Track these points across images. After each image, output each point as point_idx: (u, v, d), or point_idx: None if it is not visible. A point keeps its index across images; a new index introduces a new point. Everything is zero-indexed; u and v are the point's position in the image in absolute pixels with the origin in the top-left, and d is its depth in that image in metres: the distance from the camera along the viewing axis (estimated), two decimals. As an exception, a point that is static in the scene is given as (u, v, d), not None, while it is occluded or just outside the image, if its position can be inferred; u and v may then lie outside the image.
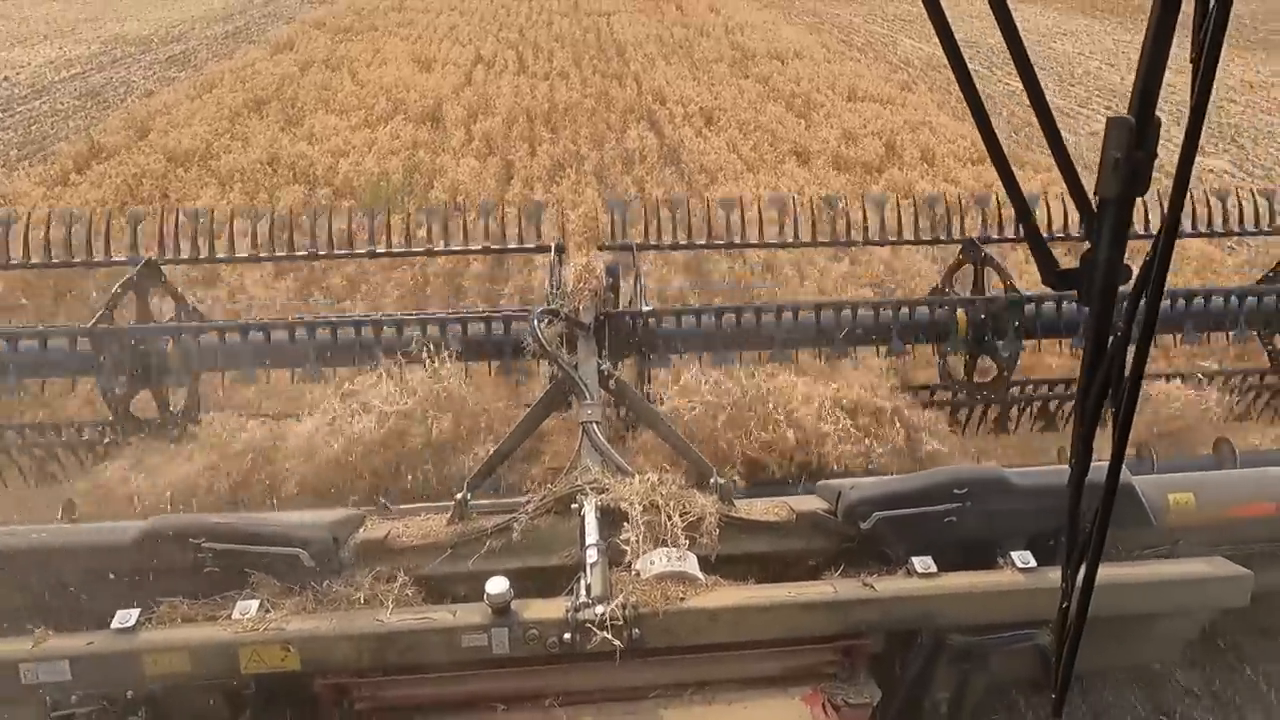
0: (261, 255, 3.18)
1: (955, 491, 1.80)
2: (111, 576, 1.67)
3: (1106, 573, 0.95)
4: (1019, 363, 3.13)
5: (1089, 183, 0.80)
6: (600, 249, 3.18)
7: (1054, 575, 1.21)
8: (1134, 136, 0.73)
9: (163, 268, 3.02)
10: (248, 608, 1.60)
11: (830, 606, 1.65)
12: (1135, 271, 0.80)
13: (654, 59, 12.27)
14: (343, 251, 3.24)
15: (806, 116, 8.89)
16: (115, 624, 1.56)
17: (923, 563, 1.73)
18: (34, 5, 18.17)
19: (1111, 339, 0.81)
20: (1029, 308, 3.08)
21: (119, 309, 2.83)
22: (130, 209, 3.72)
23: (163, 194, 6.44)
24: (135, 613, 1.58)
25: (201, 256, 3.13)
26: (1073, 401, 2.13)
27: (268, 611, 1.60)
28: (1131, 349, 0.80)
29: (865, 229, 3.43)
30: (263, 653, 1.51)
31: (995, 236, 3.41)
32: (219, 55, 13.16)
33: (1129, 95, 0.73)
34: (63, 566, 1.68)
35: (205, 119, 8.69)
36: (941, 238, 3.51)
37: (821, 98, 9.66)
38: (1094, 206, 0.79)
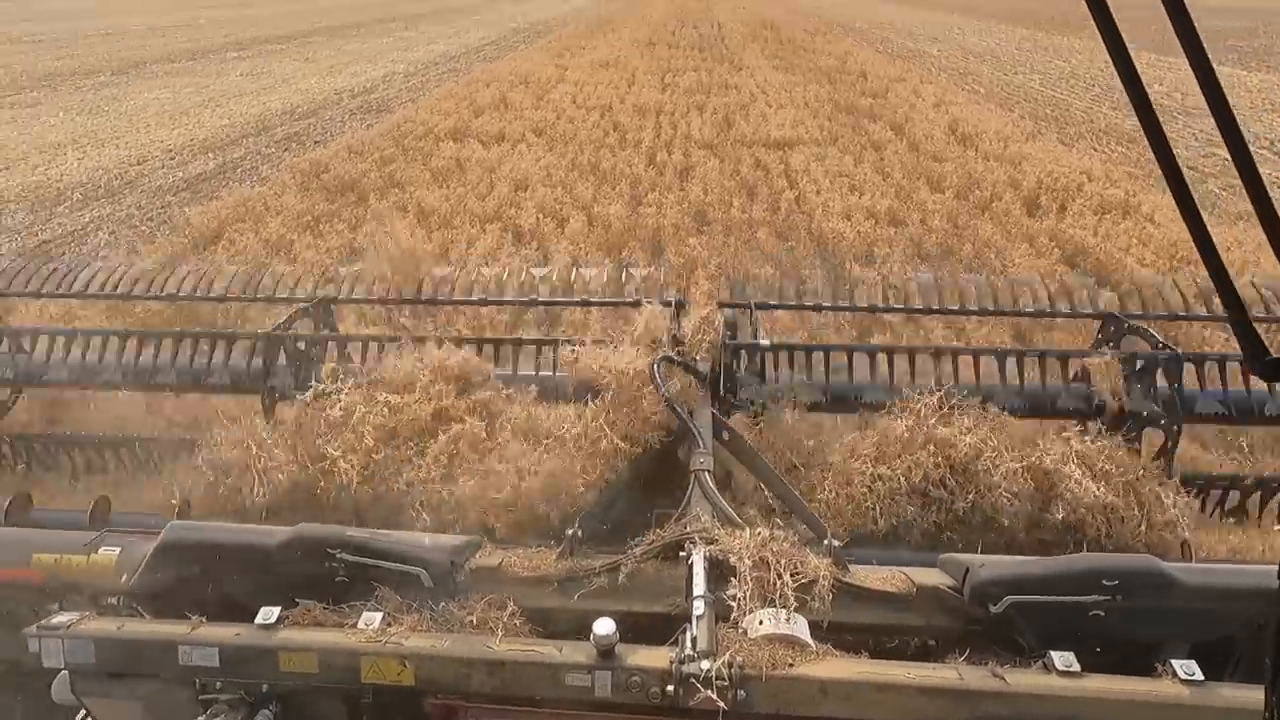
0: (404, 298, 3.36)
1: (1104, 583, 1.62)
2: (258, 575, 1.77)
3: None
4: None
5: None
6: (720, 305, 3.00)
7: (1226, 692, 1.41)
8: None
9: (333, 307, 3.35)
10: (372, 619, 1.65)
11: (955, 695, 1.48)
12: None
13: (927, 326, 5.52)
14: (475, 299, 3.40)
15: None
16: (259, 620, 1.63)
17: (1063, 659, 1.53)
18: (139, 92, 14.05)
19: None
20: (1193, 389, 2.79)
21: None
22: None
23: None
24: (276, 611, 1.65)
25: (371, 297, 3.37)
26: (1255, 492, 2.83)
27: (389, 625, 1.64)
28: None
29: (994, 298, 3.20)
30: (382, 665, 1.56)
31: (1140, 312, 3.11)
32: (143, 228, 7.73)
33: None
34: (220, 560, 1.80)
35: None
36: (1081, 311, 3.15)
37: None
38: None
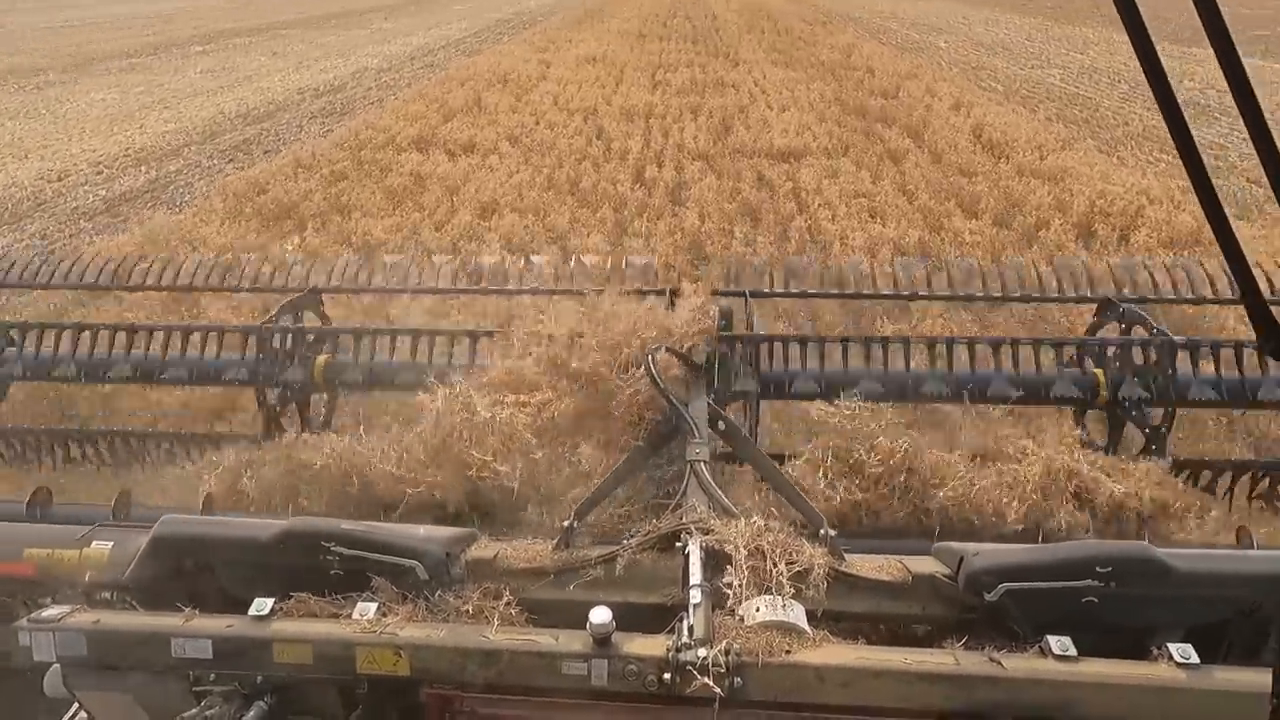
0: (409, 288, 3.52)
1: (1098, 570, 1.63)
2: (252, 567, 1.79)
3: None
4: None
5: None
6: (714, 294, 3.15)
7: (1222, 675, 1.43)
8: None
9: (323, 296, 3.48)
10: (366, 610, 1.64)
11: (952, 680, 1.48)
12: None
13: None
14: (477, 288, 3.53)
15: None
16: (252, 611, 1.63)
17: (1060, 643, 1.53)
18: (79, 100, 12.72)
19: None
20: (1186, 373, 2.87)
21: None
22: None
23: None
24: (270, 602, 1.64)
25: (359, 286, 3.51)
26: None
27: (384, 615, 1.64)
28: None
29: (1001, 284, 3.24)
30: (377, 655, 1.57)
31: (1147, 297, 3.13)
32: None
33: None
34: (214, 553, 1.81)
35: None
36: (1085, 294, 3.24)
37: None
38: None
